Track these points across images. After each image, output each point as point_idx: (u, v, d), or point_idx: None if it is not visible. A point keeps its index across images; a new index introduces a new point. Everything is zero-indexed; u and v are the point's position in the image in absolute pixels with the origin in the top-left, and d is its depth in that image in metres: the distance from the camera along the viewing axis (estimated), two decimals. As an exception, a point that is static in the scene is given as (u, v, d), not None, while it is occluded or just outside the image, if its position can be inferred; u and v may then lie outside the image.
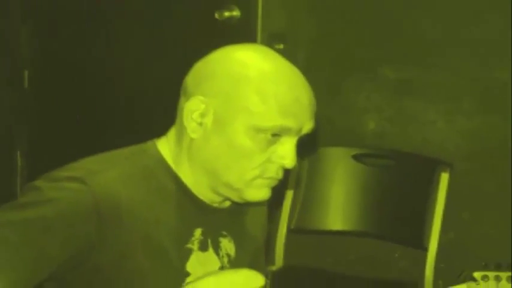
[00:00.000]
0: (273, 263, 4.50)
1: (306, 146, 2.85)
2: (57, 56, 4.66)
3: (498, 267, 2.87)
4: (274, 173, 2.61)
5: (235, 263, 2.79)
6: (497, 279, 2.84)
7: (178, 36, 4.43)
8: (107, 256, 2.55)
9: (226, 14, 4.72)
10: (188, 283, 2.66)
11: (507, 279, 2.85)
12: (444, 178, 4.67)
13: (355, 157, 4.73)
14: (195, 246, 2.71)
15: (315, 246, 4.91)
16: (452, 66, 4.91)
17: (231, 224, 2.81)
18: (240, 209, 2.81)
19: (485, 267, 2.85)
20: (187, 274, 2.67)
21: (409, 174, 4.81)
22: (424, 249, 4.68)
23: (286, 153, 2.57)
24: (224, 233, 2.78)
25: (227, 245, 2.78)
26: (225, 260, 2.76)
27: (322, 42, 5.00)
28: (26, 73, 4.37)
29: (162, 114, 2.81)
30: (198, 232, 2.71)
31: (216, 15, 4.67)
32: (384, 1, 5.01)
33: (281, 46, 2.86)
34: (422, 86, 4.99)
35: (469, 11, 4.86)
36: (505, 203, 5.01)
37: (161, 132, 2.77)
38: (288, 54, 2.75)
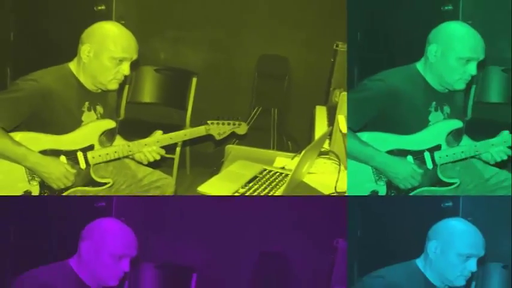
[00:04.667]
0: (119, 116, 4.48)
1: (135, 66, 2.89)
2: (27, 26, 4.46)
3: (220, 119, 2.92)
4: (121, 77, 2.71)
5: (104, 117, 2.83)
6: (218, 124, 2.91)
7: (81, 17, 4.18)
8: (47, 112, 2.63)
9: (99, 7, 4.56)
10: (81, 126, 2.73)
11: (222, 124, 2.92)
12: (194, 81, 4.63)
13: (156, 70, 4.66)
14: (85, 109, 2.76)
15: (139, 109, 4.73)
16: (198, 30, 4.87)
17: (101, 99, 2.83)
18: (105, 92, 2.81)
19: (217, 119, 2.92)
20: (82, 122, 2.74)
21: (180, 77, 4.71)
22: (185, 110, 4.62)
23: (125, 68, 2.69)
24: (98, 103, 2.81)
25: (100, 109, 2.82)
26: (99, 115, 2.81)
27: (142, 18, 4.81)
28: (12, 33, 4.20)
29: (74, 51, 2.76)
30: (87, 103, 2.76)
31: (94, 8, 4.53)
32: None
33: (123, 22, 2.98)
34: (185, 38, 4.90)
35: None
36: (231, 91, 4.99)
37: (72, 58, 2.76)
38: (126, 26, 2.79)
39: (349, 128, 2.65)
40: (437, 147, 2.67)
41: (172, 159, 4.34)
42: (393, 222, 3.70)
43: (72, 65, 2.75)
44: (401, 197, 2.68)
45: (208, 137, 2.93)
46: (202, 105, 4.60)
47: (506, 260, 3.36)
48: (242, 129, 2.95)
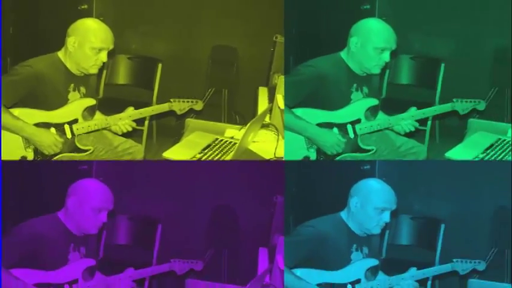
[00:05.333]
0: (99, 95, 4.26)
1: (111, 54, 2.85)
2: (24, 22, 4.35)
3: (181, 97, 2.81)
4: (100, 63, 2.71)
5: (86, 96, 2.81)
6: (179, 101, 2.80)
7: (67, 15, 4.02)
8: (40, 92, 2.63)
9: (82, 7, 4.50)
10: (67, 104, 2.71)
11: (182, 101, 2.78)
12: (159, 66, 4.46)
13: (129, 58, 4.47)
14: (71, 89, 2.75)
15: (115, 89, 4.52)
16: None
17: (84, 81, 2.80)
18: (87, 76, 2.78)
19: (178, 97, 2.81)
20: (68, 100, 2.73)
21: (148, 63, 4.52)
22: (152, 90, 4.44)
23: (103, 56, 2.68)
24: (82, 85, 2.78)
25: (83, 89, 2.79)
26: (82, 95, 2.79)
27: (117, 16, 4.64)
28: (11, 28, 4.14)
29: (62, 42, 2.73)
30: (72, 85, 2.74)
31: (79, 7, 4.48)
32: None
33: (102, 18, 2.81)
34: (152, 32, 4.78)
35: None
36: (190, 75, 4.78)
37: (60, 47, 2.72)
38: (105, 22, 2.77)
39: (286, 104, 2.64)
40: (358, 121, 2.68)
41: (142, 130, 4.27)
42: (322, 181, 3.86)
43: (60, 54, 2.73)
44: (329, 161, 2.69)
45: (171, 112, 2.87)
46: (166, 86, 4.52)
47: (414, 213, 3.51)
48: (199, 106, 2.88)
